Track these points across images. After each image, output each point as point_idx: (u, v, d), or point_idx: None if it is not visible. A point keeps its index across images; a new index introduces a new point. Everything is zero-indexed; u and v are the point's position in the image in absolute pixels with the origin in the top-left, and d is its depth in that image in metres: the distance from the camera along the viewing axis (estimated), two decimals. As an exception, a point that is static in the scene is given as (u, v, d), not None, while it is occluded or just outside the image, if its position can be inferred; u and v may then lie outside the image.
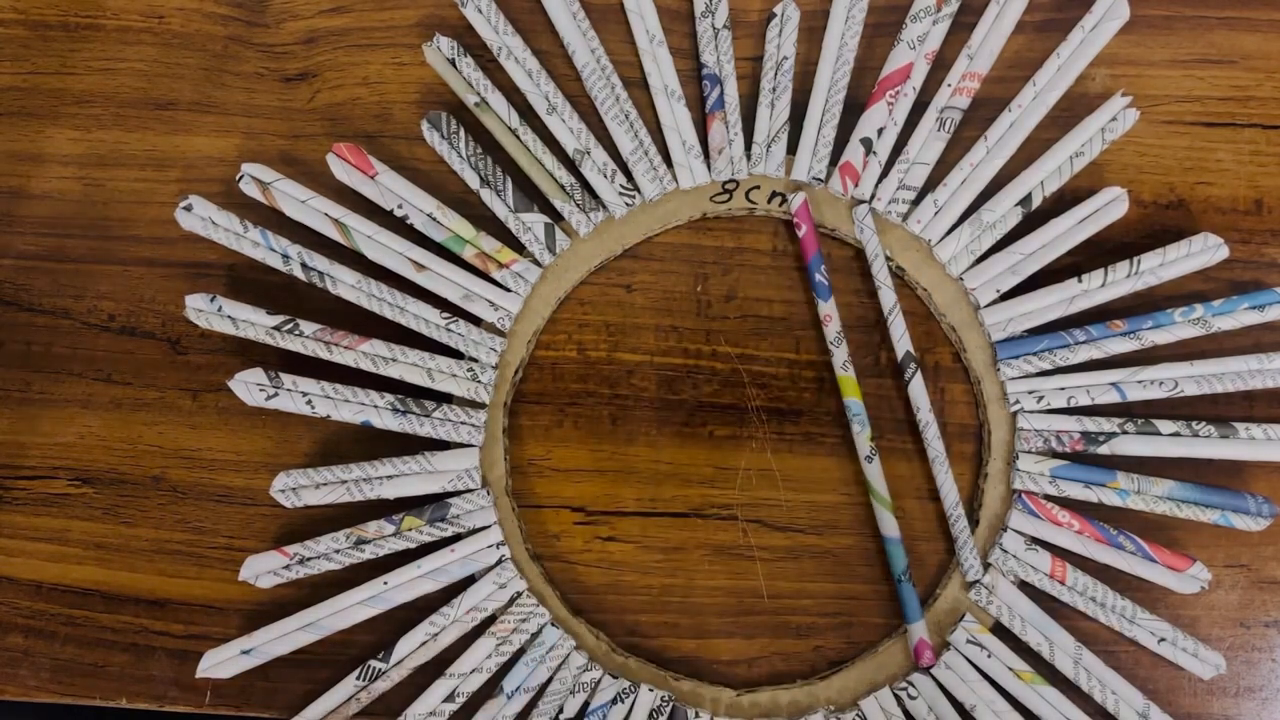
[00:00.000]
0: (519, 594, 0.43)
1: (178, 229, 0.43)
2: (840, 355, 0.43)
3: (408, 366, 0.43)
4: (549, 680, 0.43)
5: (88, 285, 0.46)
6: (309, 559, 0.42)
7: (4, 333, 0.46)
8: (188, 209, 0.43)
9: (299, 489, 0.42)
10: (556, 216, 0.44)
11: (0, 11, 0.48)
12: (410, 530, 0.42)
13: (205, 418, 0.45)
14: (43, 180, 0.47)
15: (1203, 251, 0.41)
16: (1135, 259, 0.42)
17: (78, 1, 0.48)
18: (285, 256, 0.43)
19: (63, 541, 0.45)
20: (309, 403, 0.42)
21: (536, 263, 0.44)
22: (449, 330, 0.43)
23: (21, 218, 0.47)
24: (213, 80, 0.47)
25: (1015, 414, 0.43)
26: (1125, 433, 0.42)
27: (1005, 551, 0.42)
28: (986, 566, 0.42)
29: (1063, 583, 0.42)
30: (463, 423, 0.43)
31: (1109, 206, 0.42)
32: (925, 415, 0.42)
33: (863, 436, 0.43)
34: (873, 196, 0.44)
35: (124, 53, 0.47)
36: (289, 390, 0.42)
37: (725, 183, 0.44)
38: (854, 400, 0.43)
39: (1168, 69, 0.45)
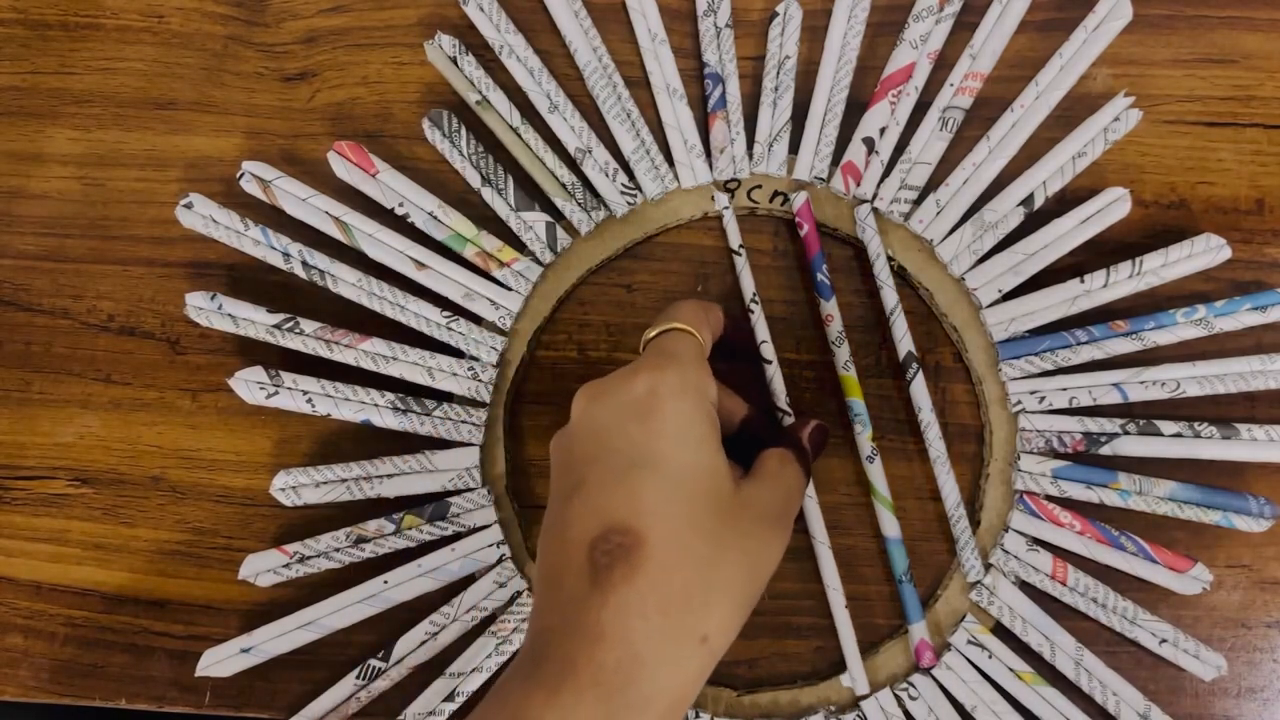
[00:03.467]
0: (519, 593, 0.43)
1: (178, 229, 0.43)
2: (842, 355, 0.43)
3: (408, 365, 0.43)
4: (549, 681, 0.42)
5: (87, 285, 0.46)
6: (309, 557, 0.42)
7: (3, 333, 0.46)
8: (188, 207, 0.43)
9: (299, 487, 0.42)
10: (558, 215, 0.44)
11: (0, 11, 0.48)
12: (410, 529, 0.42)
13: (205, 418, 0.45)
14: (42, 180, 0.47)
15: (1205, 252, 0.41)
16: (1137, 259, 0.41)
17: (77, 1, 0.48)
18: (286, 255, 0.43)
19: (62, 542, 0.45)
20: (309, 401, 0.42)
21: (538, 261, 0.44)
22: (450, 329, 0.43)
23: (21, 217, 0.47)
24: (212, 80, 0.47)
25: (1017, 414, 0.43)
26: (1127, 433, 0.42)
27: (1006, 552, 0.42)
28: (988, 567, 0.42)
29: (1064, 583, 0.42)
30: (463, 421, 0.43)
31: (1111, 207, 0.42)
32: (927, 415, 0.42)
33: (864, 437, 0.43)
34: (875, 196, 0.44)
35: (124, 52, 0.47)
36: (289, 389, 0.42)
37: (727, 182, 0.44)
38: (855, 400, 0.43)
39: (1169, 69, 0.45)
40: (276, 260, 0.43)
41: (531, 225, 0.44)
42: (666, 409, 0.33)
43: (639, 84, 0.45)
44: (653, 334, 0.37)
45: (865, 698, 0.42)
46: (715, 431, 0.34)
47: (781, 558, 0.35)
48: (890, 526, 0.42)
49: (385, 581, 0.42)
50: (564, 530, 0.32)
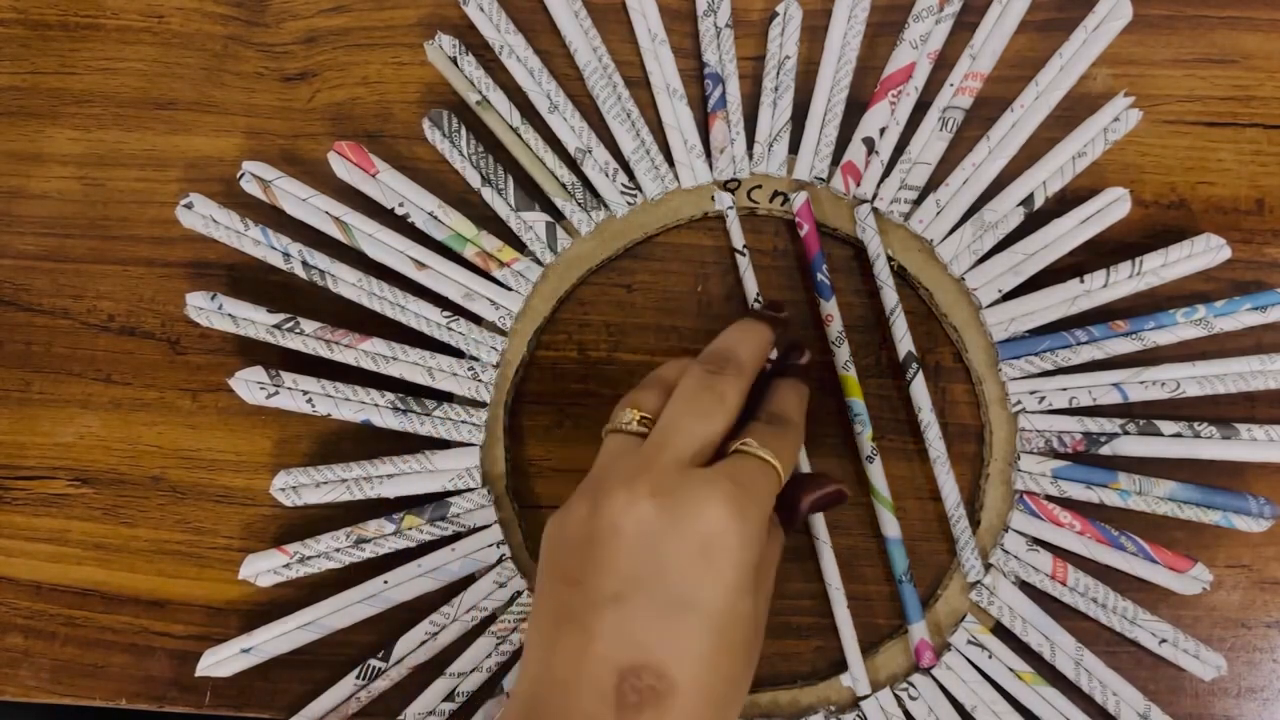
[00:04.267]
0: (519, 593, 0.43)
1: (178, 229, 0.43)
2: (841, 355, 0.43)
3: (408, 365, 0.43)
4: (549, 680, 0.42)
5: (87, 285, 0.46)
6: (309, 558, 0.42)
7: (3, 333, 0.46)
8: (188, 207, 0.43)
9: (299, 487, 0.42)
10: (558, 215, 0.44)
11: (0, 11, 0.48)
12: (410, 529, 0.42)
13: (205, 418, 0.45)
14: (42, 180, 0.47)
15: (1205, 252, 0.41)
16: (1137, 259, 0.42)
17: (77, 1, 0.48)
18: (286, 255, 0.43)
19: (62, 542, 0.45)
20: (309, 401, 0.42)
21: (538, 261, 0.44)
22: (450, 329, 0.43)
23: (21, 217, 0.47)
24: (213, 80, 0.47)
25: (1017, 414, 0.43)
26: (1127, 433, 0.42)
27: (1006, 552, 0.42)
28: (988, 567, 0.42)
29: (1064, 583, 0.42)
30: (463, 421, 0.43)
31: (1111, 207, 0.42)
32: (927, 415, 0.42)
33: (864, 437, 0.43)
34: (875, 196, 0.44)
35: (124, 52, 0.47)
36: (289, 389, 0.42)
37: (727, 182, 0.44)
38: (855, 400, 0.43)
39: (1169, 69, 0.45)
40: (276, 260, 0.43)
41: (531, 225, 0.44)
42: (733, 558, 0.32)
43: (639, 84, 0.45)
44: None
45: (865, 698, 0.42)
46: (761, 577, 0.34)
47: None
48: (890, 526, 0.42)
49: (385, 581, 0.42)
50: (591, 637, 0.31)
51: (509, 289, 0.44)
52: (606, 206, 0.44)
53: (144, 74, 0.47)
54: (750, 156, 0.44)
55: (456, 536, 0.43)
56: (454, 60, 0.44)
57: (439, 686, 0.42)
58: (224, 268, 0.45)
